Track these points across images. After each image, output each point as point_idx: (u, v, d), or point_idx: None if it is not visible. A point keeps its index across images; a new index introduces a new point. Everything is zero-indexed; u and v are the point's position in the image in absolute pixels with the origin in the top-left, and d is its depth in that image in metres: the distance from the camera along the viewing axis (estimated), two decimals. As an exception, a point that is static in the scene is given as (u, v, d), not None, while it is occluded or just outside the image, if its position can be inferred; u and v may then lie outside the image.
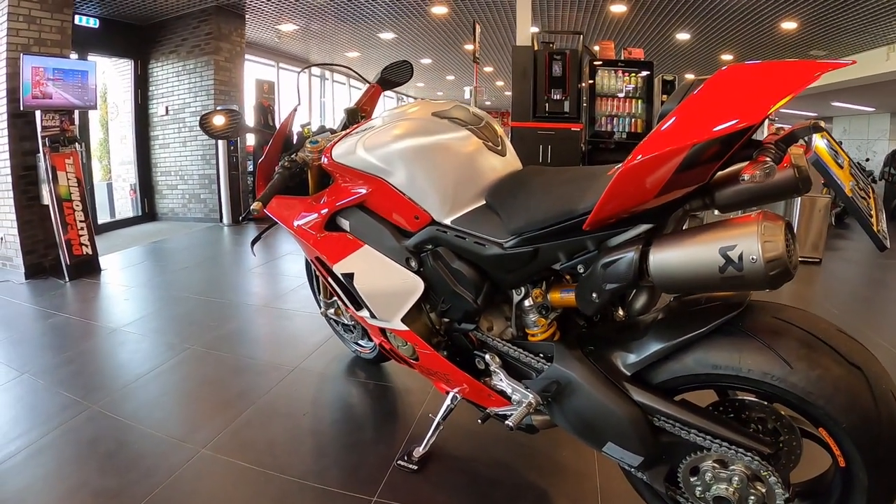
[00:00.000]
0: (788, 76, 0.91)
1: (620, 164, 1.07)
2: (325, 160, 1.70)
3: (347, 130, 1.75)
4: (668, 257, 1.05)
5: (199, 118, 1.88)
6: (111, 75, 6.27)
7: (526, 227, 1.31)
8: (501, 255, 1.36)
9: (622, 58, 5.61)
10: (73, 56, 4.17)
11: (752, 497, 1.12)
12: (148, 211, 6.64)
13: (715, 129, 0.91)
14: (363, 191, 1.62)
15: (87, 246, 4.10)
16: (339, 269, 1.73)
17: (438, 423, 1.88)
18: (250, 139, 6.62)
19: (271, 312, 3.47)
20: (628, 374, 1.23)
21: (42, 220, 3.97)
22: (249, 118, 6.71)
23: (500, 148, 1.58)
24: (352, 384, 2.55)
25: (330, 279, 1.86)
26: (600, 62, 5.59)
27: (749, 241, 0.96)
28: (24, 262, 3.90)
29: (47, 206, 3.89)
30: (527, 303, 1.43)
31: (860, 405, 0.96)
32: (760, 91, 0.91)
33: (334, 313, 2.48)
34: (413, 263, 1.56)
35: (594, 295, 1.20)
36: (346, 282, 1.73)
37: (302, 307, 3.42)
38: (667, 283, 1.09)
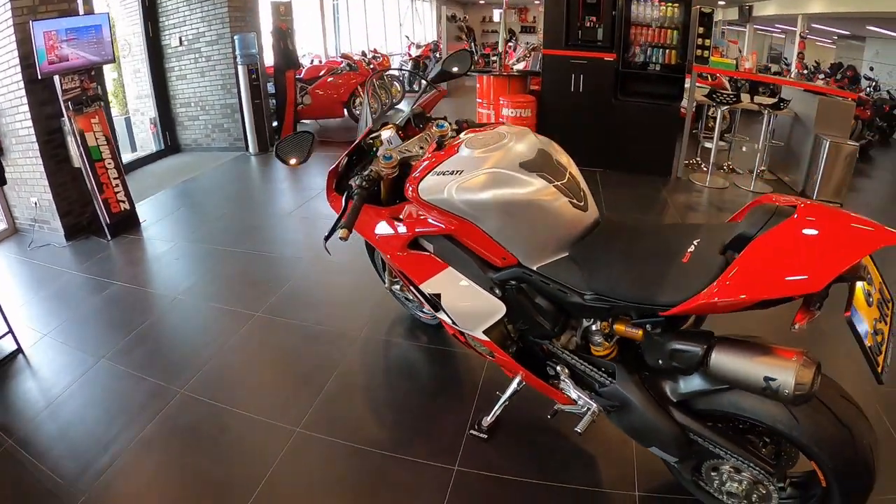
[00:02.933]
0: (855, 241, 1.20)
1: (695, 246, 1.46)
2: (409, 191, 1.80)
3: (429, 156, 1.86)
4: (725, 364, 1.37)
5: (275, 152, 1.97)
6: (116, 9, 5.95)
7: (607, 293, 1.55)
8: (581, 304, 1.60)
9: None
10: (80, 3, 3.95)
11: (755, 495, 1.58)
12: (171, 143, 6.61)
13: (776, 294, 1.22)
14: (450, 226, 1.76)
15: (124, 202, 4.17)
16: (427, 288, 1.91)
17: (505, 401, 2.14)
18: (269, 59, 6.48)
19: (321, 266, 3.62)
20: (675, 400, 1.59)
21: (74, 180, 4.01)
22: (267, 44, 6.52)
23: (582, 203, 1.70)
24: (416, 350, 2.77)
25: (398, 274, 2.07)
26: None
27: (787, 378, 1.26)
28: (62, 225, 4.00)
29: (79, 167, 3.88)
30: (594, 327, 1.69)
31: (844, 455, 1.35)
32: (829, 254, 1.18)
33: (400, 289, 2.62)
34: (497, 291, 1.77)
35: (659, 360, 1.51)
36: (433, 300, 1.92)
37: (349, 260, 3.49)
38: (718, 378, 1.42)
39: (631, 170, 5.70)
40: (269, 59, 6.58)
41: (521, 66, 8.09)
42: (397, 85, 8.94)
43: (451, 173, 1.69)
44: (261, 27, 6.35)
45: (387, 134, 2.03)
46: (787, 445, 1.54)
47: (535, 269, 1.68)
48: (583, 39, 5.48)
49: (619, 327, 1.62)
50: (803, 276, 1.17)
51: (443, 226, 1.78)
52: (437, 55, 10.82)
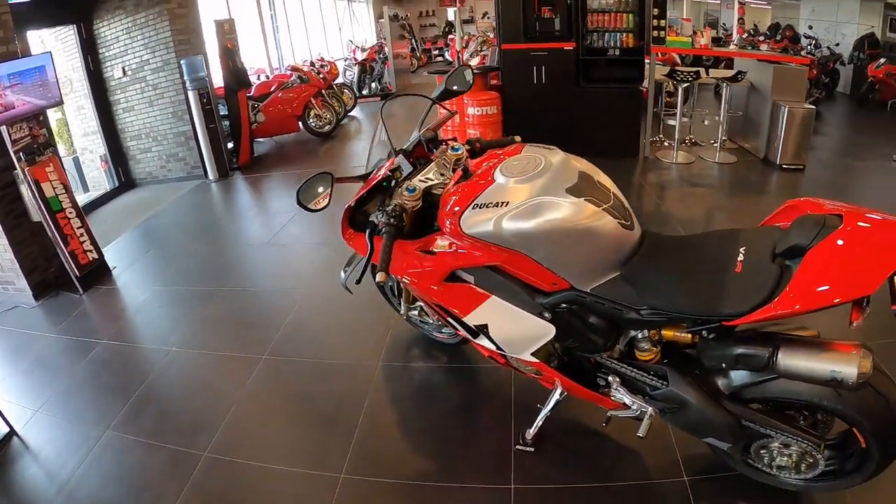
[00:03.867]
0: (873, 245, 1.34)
1: (743, 255, 1.55)
2: (449, 227, 1.75)
3: (461, 187, 1.80)
4: (793, 364, 1.49)
5: (296, 199, 1.86)
6: (52, 44, 5.57)
7: (666, 307, 1.61)
8: (637, 319, 1.67)
9: None
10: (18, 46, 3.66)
11: (804, 464, 1.72)
12: (125, 179, 6.29)
13: (835, 301, 1.32)
14: (494, 258, 1.73)
15: (91, 251, 3.93)
16: (472, 320, 1.89)
17: (547, 412, 2.14)
18: (217, 80, 6.22)
19: (315, 297, 3.51)
20: (727, 393, 1.69)
21: (35, 234, 3.74)
22: (216, 66, 6.26)
23: (629, 223, 1.71)
24: (439, 372, 2.73)
25: (433, 306, 2.04)
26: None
27: (851, 370, 1.39)
28: (28, 284, 3.73)
29: (38, 221, 3.61)
30: (641, 335, 1.76)
31: (882, 420, 1.52)
32: (877, 259, 1.31)
33: (418, 315, 2.62)
34: (546, 315, 1.76)
35: (722, 363, 1.62)
36: (480, 330, 1.90)
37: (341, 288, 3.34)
38: (787, 375, 1.53)
39: (600, 154, 5.64)
40: (217, 79, 6.32)
41: (475, 61, 8.08)
42: (347, 92, 8.77)
43: (495, 205, 1.65)
44: (206, 48, 6.09)
45: (398, 161, 1.96)
46: (824, 415, 1.68)
47: (588, 290, 1.69)
48: (540, 31, 5.52)
49: (669, 333, 1.69)
50: (858, 285, 1.30)
51: (486, 258, 1.74)
52: (383, 56, 10.66)
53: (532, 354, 1.86)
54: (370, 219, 1.82)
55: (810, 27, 12.06)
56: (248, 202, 5.63)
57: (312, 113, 7.42)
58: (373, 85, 10.63)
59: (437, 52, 18.28)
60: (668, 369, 1.74)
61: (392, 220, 1.70)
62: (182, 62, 5.56)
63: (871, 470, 1.63)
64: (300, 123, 7.38)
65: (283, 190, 5.53)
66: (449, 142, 2.01)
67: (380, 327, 3.04)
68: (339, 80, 9.09)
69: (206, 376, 2.87)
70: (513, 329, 1.84)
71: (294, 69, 7.42)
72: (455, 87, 2.09)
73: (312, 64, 8.02)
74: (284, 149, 7.34)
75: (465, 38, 11.02)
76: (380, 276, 1.57)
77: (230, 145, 6.46)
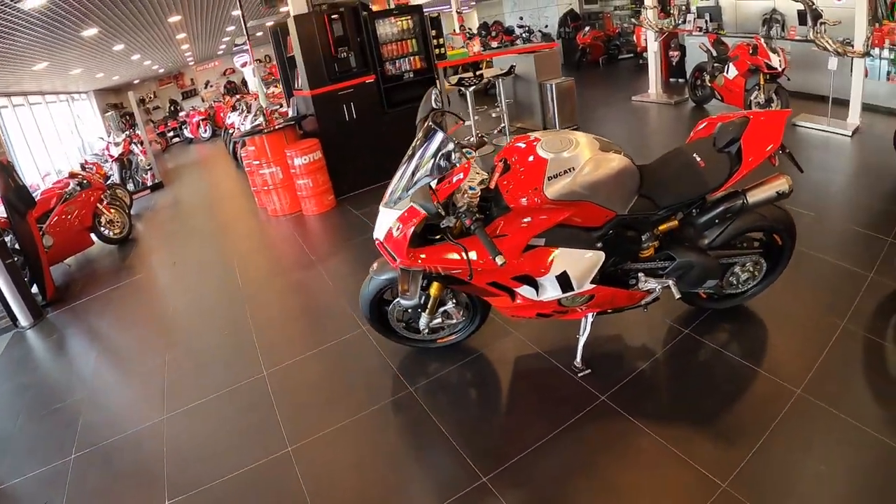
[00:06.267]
0: (780, 121, 2.39)
1: (698, 157, 2.41)
2: (535, 199, 2.18)
3: (503, 174, 2.26)
4: (756, 197, 2.43)
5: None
6: None
7: (675, 202, 2.39)
8: (657, 219, 2.42)
9: (394, 6, 6.06)
10: None
11: (756, 272, 2.71)
12: None
13: (767, 151, 2.35)
14: (565, 213, 2.23)
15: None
16: (553, 273, 2.30)
17: (584, 339, 2.63)
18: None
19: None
20: (707, 246, 2.52)
21: None
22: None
23: (633, 160, 2.40)
24: (468, 371, 2.91)
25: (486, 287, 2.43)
26: (367, 12, 5.91)
27: (785, 186, 2.44)
28: None
29: None
30: (647, 235, 2.46)
31: (787, 222, 2.60)
32: (775, 131, 2.36)
33: (441, 321, 2.81)
34: (598, 245, 2.33)
35: (715, 221, 2.46)
36: (561, 280, 2.31)
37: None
38: (755, 206, 2.44)
39: None
40: None
41: (256, 122, 7.96)
42: (121, 190, 7.84)
43: (565, 172, 2.18)
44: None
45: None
46: (762, 237, 2.69)
47: (626, 212, 2.32)
48: (340, 71, 5.90)
49: (663, 227, 2.45)
50: (772, 144, 2.34)
51: (560, 216, 2.21)
52: (140, 145, 9.74)
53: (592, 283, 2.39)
54: (443, 225, 2.21)
55: (521, 18, 14.81)
56: (78, 347, 4.47)
57: (104, 220, 6.48)
58: (136, 178, 9.61)
59: (172, 132, 17.07)
60: (670, 251, 2.47)
61: (477, 215, 2.05)
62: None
63: (787, 260, 2.73)
64: (93, 235, 6.39)
65: (128, 320, 4.65)
66: (463, 147, 2.31)
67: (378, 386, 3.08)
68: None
69: None
70: (581, 265, 2.32)
71: (73, 175, 6.38)
72: (435, 106, 2.50)
73: (83, 167, 6.99)
74: (86, 269, 6.22)
75: (236, 103, 10.69)
76: (500, 260, 1.96)
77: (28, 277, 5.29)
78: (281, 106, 7.94)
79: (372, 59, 6.02)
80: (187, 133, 16.47)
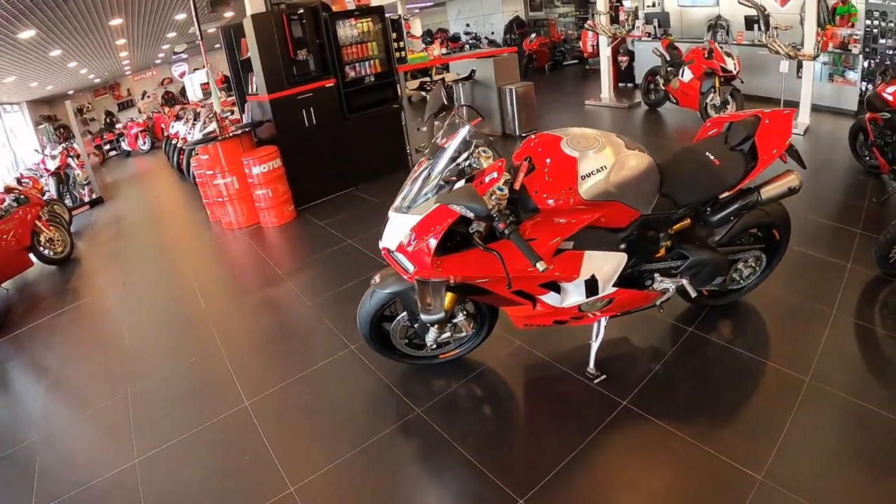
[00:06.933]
0: (788, 121, 2.45)
1: (711, 156, 2.40)
2: (571, 200, 2.05)
3: (528, 174, 2.09)
4: (769, 193, 2.44)
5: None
6: None
7: (695, 200, 2.36)
8: (677, 217, 2.38)
9: (354, 7, 5.82)
10: None
11: (756, 265, 2.76)
12: None
13: (784, 149, 2.41)
14: (596, 214, 2.12)
15: None
16: (583, 277, 2.20)
17: (597, 344, 2.55)
18: None
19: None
20: (716, 244, 2.54)
21: None
22: None
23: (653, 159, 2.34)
24: (478, 390, 2.75)
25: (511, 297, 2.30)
26: (327, 13, 5.67)
27: (796, 182, 2.47)
28: None
29: None
30: (663, 234, 2.41)
31: (785, 218, 2.67)
32: (786, 130, 2.41)
33: (450, 335, 2.60)
34: (622, 246, 2.25)
35: (730, 217, 2.47)
36: (591, 284, 2.22)
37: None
38: (768, 202, 2.47)
39: (376, 174, 6.28)
40: None
41: (209, 130, 7.55)
42: (58, 207, 7.20)
43: (598, 171, 2.07)
44: None
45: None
46: (763, 232, 2.72)
47: (650, 212, 2.25)
48: (299, 74, 5.62)
49: (676, 227, 2.42)
50: (784, 141, 2.38)
51: (590, 217, 2.10)
52: (77, 158, 9.03)
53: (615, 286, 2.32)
54: (471, 230, 2.09)
55: (468, 25, 14.82)
56: (43, 379, 3.92)
57: (43, 238, 5.91)
58: (74, 193, 8.91)
59: (109, 145, 16.02)
60: (683, 250, 2.43)
61: (510, 217, 1.89)
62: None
63: (783, 253, 2.79)
64: (32, 255, 5.81)
65: (79, 349, 4.14)
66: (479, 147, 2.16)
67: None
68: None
69: None
70: (606, 268, 2.23)
71: (9, 189, 5.76)
72: (443, 104, 2.41)
73: (18, 181, 6.36)
74: (25, 293, 5.61)
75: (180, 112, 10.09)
76: (541, 265, 1.82)
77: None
78: (232, 113, 7.51)
79: (332, 62, 5.79)
80: (125, 146, 15.49)
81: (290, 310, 3.91)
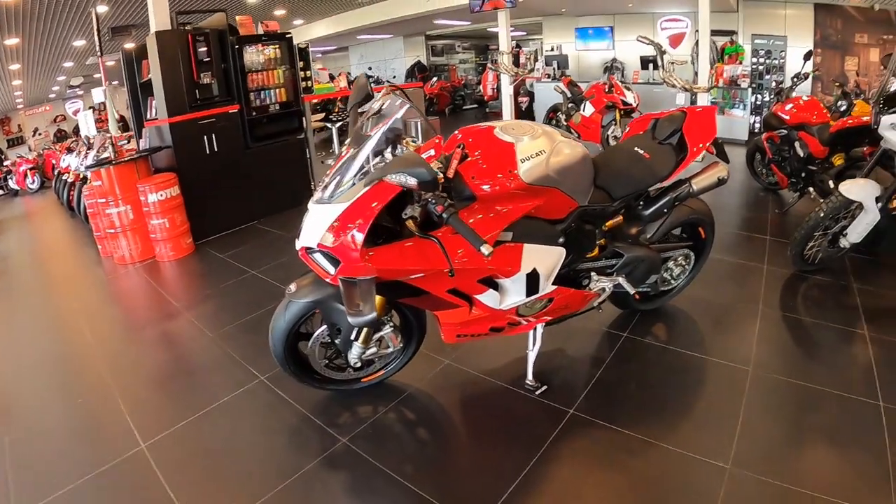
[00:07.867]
0: (712, 118, 2.51)
1: (640, 150, 2.41)
2: (510, 183, 1.89)
3: (461, 161, 1.91)
4: (700, 184, 2.48)
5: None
6: None
7: (630, 192, 2.33)
8: (612, 210, 2.33)
9: (262, 33, 5.52)
10: None
11: (686, 265, 2.79)
12: None
13: (709, 144, 2.46)
14: (535, 202, 1.97)
15: None
16: (524, 271, 2.01)
17: (535, 353, 2.37)
18: None
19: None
20: (649, 241, 2.50)
21: None
22: None
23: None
24: (413, 416, 2.43)
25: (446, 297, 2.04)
26: (234, 37, 5.36)
27: (724, 173, 2.53)
28: None
29: None
30: (598, 231, 2.35)
31: (709, 217, 2.73)
32: (709, 125, 2.47)
33: (376, 351, 2.27)
34: (561, 240, 2.12)
35: (664, 210, 2.45)
36: (532, 280, 2.03)
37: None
38: (700, 192, 2.49)
39: (279, 207, 5.87)
40: None
41: (103, 157, 6.80)
42: None
43: (536, 154, 1.95)
44: None
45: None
46: (689, 231, 2.77)
47: (587, 203, 2.18)
48: (202, 98, 5.20)
49: (609, 224, 2.37)
50: (710, 135, 2.44)
51: (529, 204, 1.94)
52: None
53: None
54: (405, 216, 1.89)
55: (370, 68, 14.87)
56: None
57: None
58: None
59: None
60: (617, 248, 2.38)
61: (449, 201, 1.68)
62: None
63: (709, 251, 2.83)
64: None
65: None
66: (406, 140, 1.97)
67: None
68: None
69: None
70: (546, 263, 2.07)
71: None
72: (367, 93, 2.15)
73: None
74: None
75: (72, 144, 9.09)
76: (486, 249, 1.59)
77: None
78: (128, 141, 6.85)
79: (237, 87, 5.42)
80: (12, 184, 13.87)
81: (190, 344, 3.38)
